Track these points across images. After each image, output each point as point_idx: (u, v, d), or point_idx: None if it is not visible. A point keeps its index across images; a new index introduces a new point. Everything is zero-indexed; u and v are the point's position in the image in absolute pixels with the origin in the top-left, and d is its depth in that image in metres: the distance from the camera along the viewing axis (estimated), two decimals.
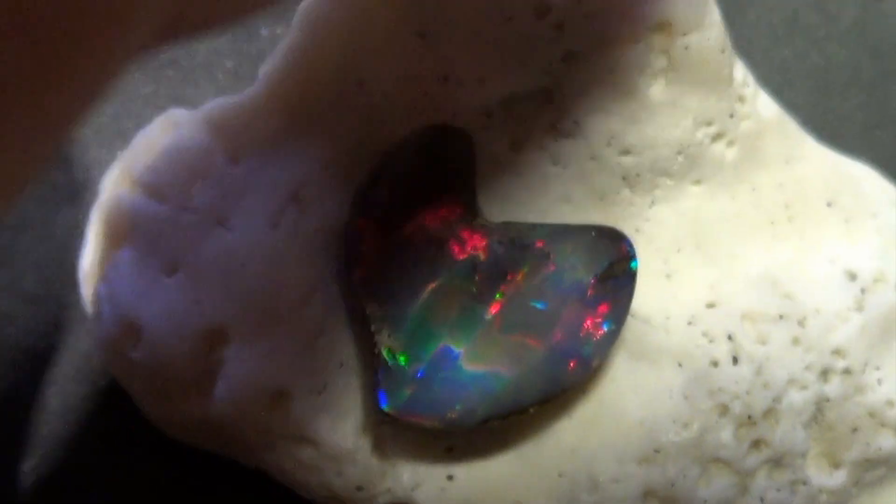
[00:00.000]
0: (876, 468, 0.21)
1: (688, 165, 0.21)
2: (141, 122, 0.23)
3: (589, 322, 0.20)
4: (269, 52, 0.22)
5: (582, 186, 0.21)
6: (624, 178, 0.21)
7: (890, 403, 0.21)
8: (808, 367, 0.21)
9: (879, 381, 0.21)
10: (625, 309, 0.20)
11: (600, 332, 0.20)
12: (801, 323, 0.21)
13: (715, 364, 0.20)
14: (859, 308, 0.21)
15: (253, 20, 0.27)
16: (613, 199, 0.21)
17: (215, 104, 0.21)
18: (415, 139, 0.20)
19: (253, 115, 0.21)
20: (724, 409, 0.20)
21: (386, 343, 0.19)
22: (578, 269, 0.20)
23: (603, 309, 0.20)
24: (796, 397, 0.20)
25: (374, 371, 0.19)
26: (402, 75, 0.20)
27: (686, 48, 0.21)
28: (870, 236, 0.22)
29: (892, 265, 0.21)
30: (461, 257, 0.20)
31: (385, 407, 0.19)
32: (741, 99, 0.22)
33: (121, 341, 0.21)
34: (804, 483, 0.21)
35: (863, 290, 0.21)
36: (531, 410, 0.20)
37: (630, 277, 0.20)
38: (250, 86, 0.21)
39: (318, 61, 0.21)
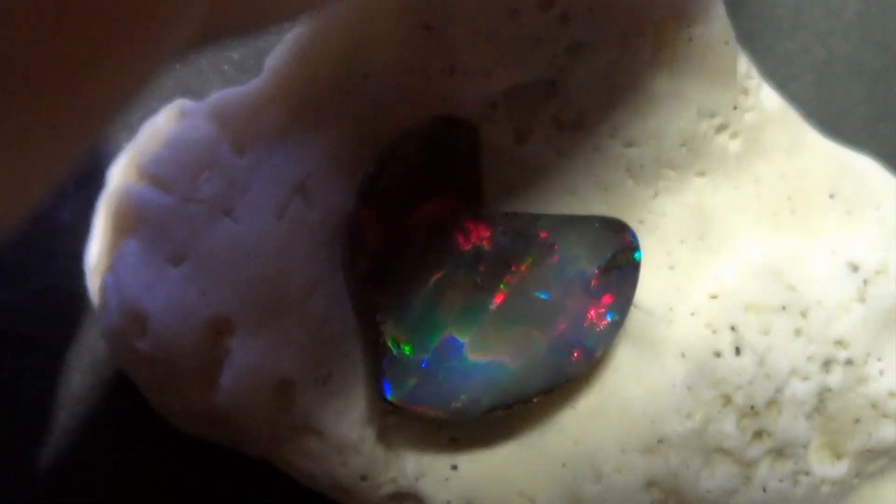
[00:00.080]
0: (878, 459, 0.21)
1: (691, 157, 0.21)
2: (147, 113, 0.23)
3: (592, 312, 0.20)
4: (274, 44, 0.22)
5: (586, 177, 0.21)
6: (628, 170, 0.21)
7: (892, 394, 0.21)
8: (810, 358, 0.21)
9: (881, 372, 0.21)
10: (628, 299, 0.20)
11: (604, 323, 0.20)
12: (803, 314, 0.21)
13: (718, 355, 0.20)
14: (861, 299, 0.21)
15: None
16: (617, 191, 0.21)
17: (221, 95, 0.22)
18: (420, 131, 0.20)
19: (259, 106, 0.21)
20: (726, 400, 0.20)
21: (390, 333, 0.19)
22: (582, 260, 0.20)
23: (607, 299, 0.20)
24: (799, 388, 0.20)
25: (379, 361, 0.20)
26: (407, 67, 0.20)
27: (690, 40, 0.21)
28: (872, 228, 0.22)
29: (894, 256, 0.21)
30: (466, 248, 0.20)
31: (389, 396, 0.19)
32: (745, 91, 0.22)
33: (127, 332, 0.21)
34: (806, 473, 0.21)
35: (865, 282, 0.21)
36: (535, 400, 0.20)
37: (634, 268, 0.20)
38: (256, 77, 0.21)
39: (324, 53, 0.21)
